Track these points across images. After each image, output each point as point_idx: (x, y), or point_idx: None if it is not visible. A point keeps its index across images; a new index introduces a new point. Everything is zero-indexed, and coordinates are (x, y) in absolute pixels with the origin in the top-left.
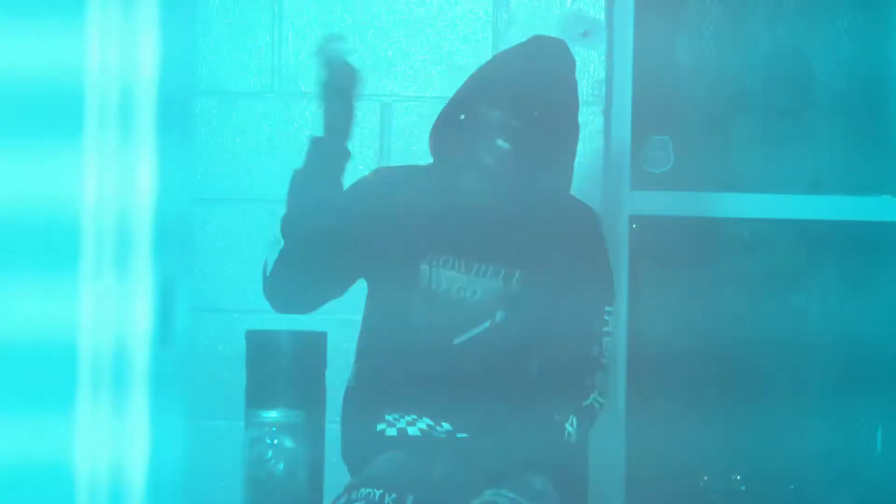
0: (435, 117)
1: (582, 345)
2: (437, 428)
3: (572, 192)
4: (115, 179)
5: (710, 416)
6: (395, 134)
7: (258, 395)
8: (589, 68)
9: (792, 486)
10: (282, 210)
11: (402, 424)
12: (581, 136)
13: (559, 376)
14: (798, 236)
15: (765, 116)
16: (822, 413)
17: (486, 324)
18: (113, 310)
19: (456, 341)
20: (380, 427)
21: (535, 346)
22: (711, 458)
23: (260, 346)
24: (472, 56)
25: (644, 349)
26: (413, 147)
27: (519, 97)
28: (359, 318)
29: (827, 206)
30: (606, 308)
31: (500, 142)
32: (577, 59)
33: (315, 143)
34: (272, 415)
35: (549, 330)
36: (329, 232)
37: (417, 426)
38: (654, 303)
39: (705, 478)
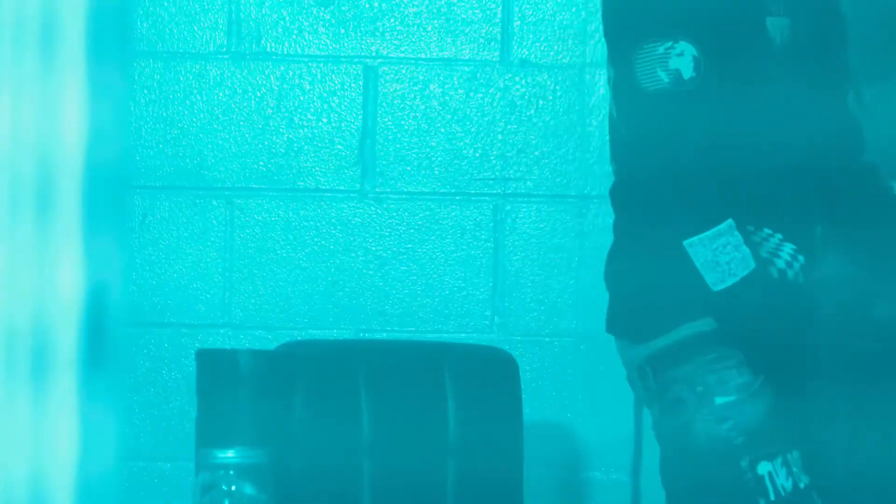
0: (431, 82)
1: None
2: None
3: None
4: (34, 128)
5: None
6: (381, 104)
7: (212, 430)
8: None
9: None
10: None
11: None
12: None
13: None
14: None
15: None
16: None
17: None
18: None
19: None
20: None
21: None
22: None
23: (214, 368)
24: (475, 8)
25: None
26: (404, 121)
27: None
28: (332, 333)
29: None
30: None
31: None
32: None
33: None
34: (229, 455)
35: None
36: None
37: None
38: None
39: None
